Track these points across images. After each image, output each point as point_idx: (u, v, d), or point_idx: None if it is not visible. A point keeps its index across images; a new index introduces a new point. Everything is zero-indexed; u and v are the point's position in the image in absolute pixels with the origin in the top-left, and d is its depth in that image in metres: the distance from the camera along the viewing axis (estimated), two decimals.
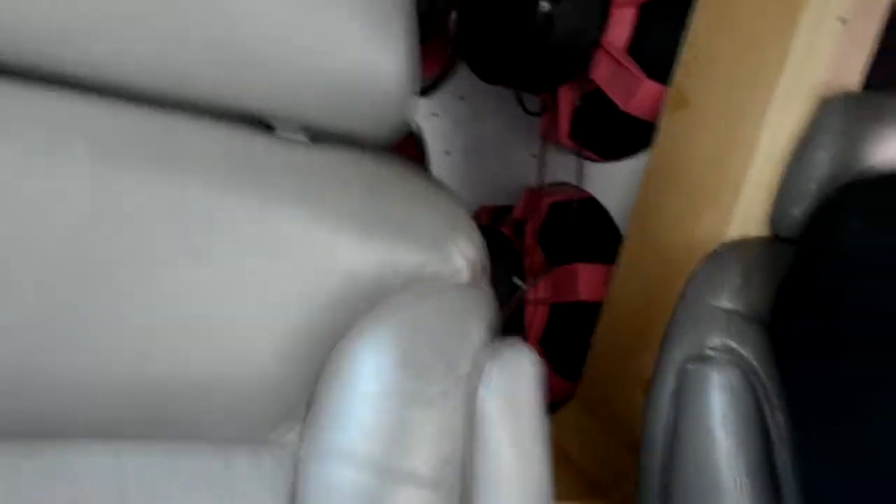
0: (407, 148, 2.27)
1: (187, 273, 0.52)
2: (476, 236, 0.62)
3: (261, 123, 0.56)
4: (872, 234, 0.74)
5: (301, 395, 0.58)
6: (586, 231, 1.37)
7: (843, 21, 0.98)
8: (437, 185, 0.64)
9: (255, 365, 0.55)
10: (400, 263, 0.57)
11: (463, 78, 1.95)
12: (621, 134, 1.34)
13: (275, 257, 0.54)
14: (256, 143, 0.55)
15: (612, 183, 1.40)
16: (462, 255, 0.60)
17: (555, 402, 1.34)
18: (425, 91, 2.19)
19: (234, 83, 0.53)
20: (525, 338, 1.37)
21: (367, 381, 0.57)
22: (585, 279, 1.29)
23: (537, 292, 1.37)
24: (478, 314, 0.61)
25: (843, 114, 0.92)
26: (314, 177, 0.56)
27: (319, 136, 0.58)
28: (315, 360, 0.58)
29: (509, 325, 1.35)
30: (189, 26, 0.50)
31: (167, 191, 0.51)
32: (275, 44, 0.52)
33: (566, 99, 1.41)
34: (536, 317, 1.36)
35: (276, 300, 0.55)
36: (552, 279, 1.36)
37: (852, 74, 1.02)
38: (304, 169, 0.56)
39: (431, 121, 2.17)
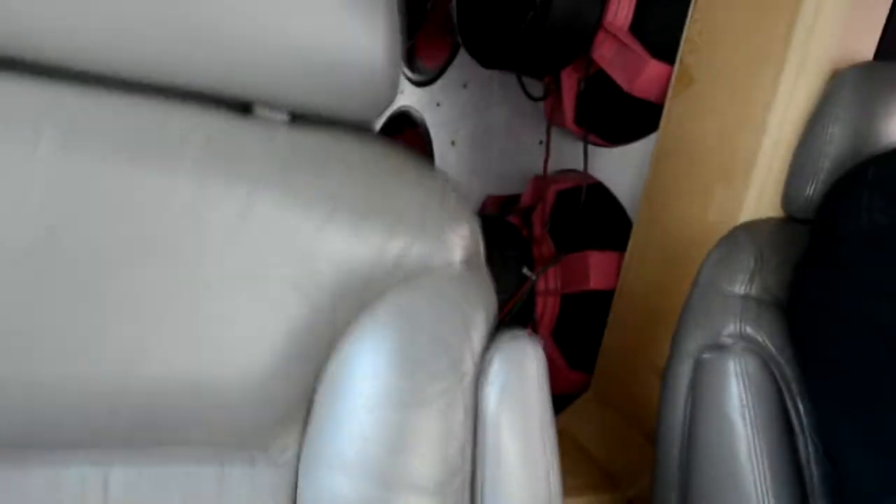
0: (411, 138, 2.25)
1: (173, 270, 0.50)
2: (471, 220, 0.60)
3: (239, 105, 0.54)
4: (893, 215, 0.70)
5: (299, 399, 0.56)
6: (595, 218, 1.34)
7: None
8: (429, 167, 0.61)
9: (249, 367, 0.53)
10: (394, 252, 0.54)
11: (465, 66, 1.92)
12: (627, 117, 1.31)
13: (264, 249, 0.52)
14: (237, 126, 0.53)
15: (619, 168, 1.37)
16: (458, 240, 0.57)
17: (570, 394, 1.31)
18: (428, 81, 2.17)
19: (213, 65, 0.50)
20: (536, 330, 1.34)
21: (366, 382, 0.54)
22: (596, 267, 1.26)
23: (548, 283, 1.34)
24: (478, 303, 0.58)
25: (856, 86, 0.88)
26: (299, 161, 0.54)
27: (302, 117, 0.55)
28: (313, 361, 0.55)
29: (520, 316, 1.32)
30: (164, 10, 0.47)
31: (148, 182, 0.49)
32: (253, 24, 0.49)
33: (569, 82, 1.37)
34: (548, 308, 1.33)
35: (268, 295, 0.52)
36: (562, 268, 1.33)
37: (865, 45, 0.98)
38: (288, 153, 0.53)
39: (435, 111, 2.14)
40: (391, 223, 0.54)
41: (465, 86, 1.97)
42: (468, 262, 0.58)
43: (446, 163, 2.04)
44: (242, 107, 0.54)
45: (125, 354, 0.50)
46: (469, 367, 0.56)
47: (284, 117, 0.55)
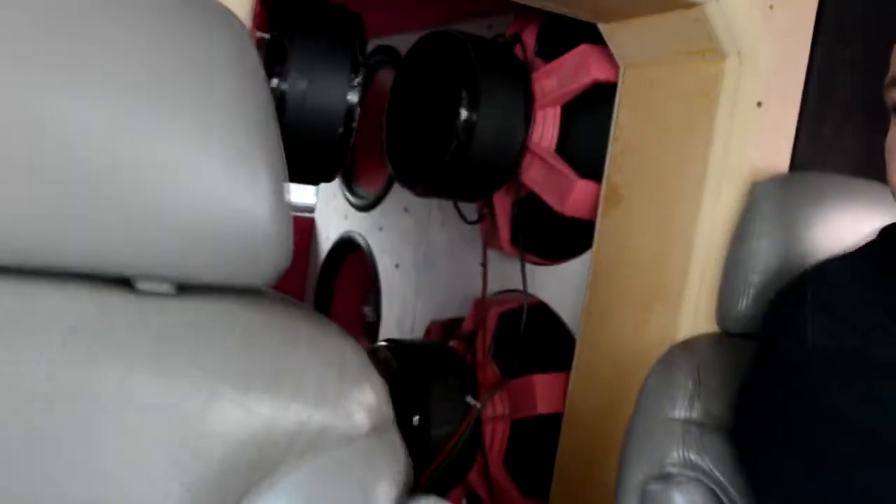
0: (356, 262, 2.24)
1: (35, 463, 0.45)
2: (377, 384, 0.56)
3: (119, 279, 0.51)
4: (840, 337, 0.68)
5: None
6: (538, 340, 1.31)
7: (760, 104, 0.97)
8: (328, 326, 0.58)
9: None
10: (288, 426, 0.51)
11: (405, 190, 1.93)
12: (562, 236, 1.30)
13: (142, 433, 0.47)
14: (112, 302, 0.49)
15: (561, 285, 1.36)
16: (361, 408, 0.54)
17: None
18: (369, 206, 2.17)
19: (87, 246, 0.47)
20: (487, 459, 1.29)
21: None
22: (542, 391, 1.22)
23: (495, 409, 1.29)
24: (385, 473, 0.54)
25: (774, 199, 0.88)
26: (181, 334, 0.50)
27: (188, 285, 0.52)
28: None
29: (468, 446, 1.26)
30: (28, 191, 0.45)
31: (7, 367, 0.45)
32: (129, 198, 0.46)
33: (502, 205, 1.38)
34: (497, 435, 1.28)
35: (149, 484, 0.48)
36: (509, 393, 1.29)
37: (779, 156, 1.00)
38: (170, 326, 0.50)
39: (378, 235, 2.14)
40: (284, 395, 0.51)
41: (406, 210, 1.97)
42: (374, 428, 0.54)
43: (391, 286, 2.03)
44: (122, 279, 0.51)
45: None
46: None
47: (168, 289, 0.52)
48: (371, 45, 2.13)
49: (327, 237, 2.45)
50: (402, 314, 1.95)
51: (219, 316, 0.52)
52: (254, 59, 0.52)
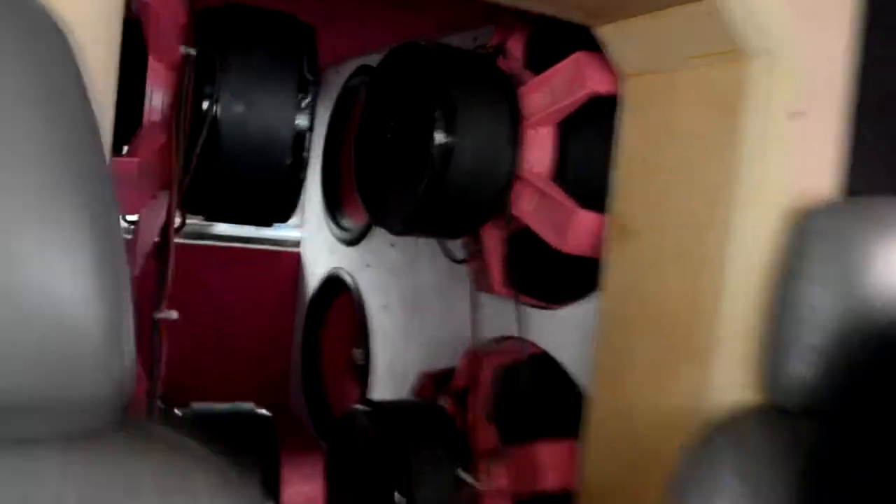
0: (343, 306, 2.06)
1: None
2: None
3: None
4: None
5: None
6: (541, 397, 1.13)
7: (797, 115, 0.78)
8: (196, 473, 0.40)
9: None
10: None
11: None
12: (564, 275, 1.12)
13: None
14: None
15: (564, 331, 1.17)
16: None
17: None
18: (355, 240, 2.00)
19: None
20: None
21: None
22: (550, 462, 1.04)
23: (495, 481, 1.10)
24: None
25: (829, 230, 0.70)
26: None
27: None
28: None
29: None
30: None
31: None
32: None
33: (492, 242, 1.19)
34: None
35: None
36: (511, 463, 1.10)
37: (824, 178, 0.82)
38: None
39: (365, 272, 1.96)
40: None
41: (392, 245, 1.81)
42: None
43: (380, 328, 1.86)
44: None
45: None
46: None
47: None
48: (353, 66, 1.99)
49: (313, 273, 2.28)
50: (392, 358, 1.78)
51: (26, 471, 0.37)
52: (71, 83, 0.35)
